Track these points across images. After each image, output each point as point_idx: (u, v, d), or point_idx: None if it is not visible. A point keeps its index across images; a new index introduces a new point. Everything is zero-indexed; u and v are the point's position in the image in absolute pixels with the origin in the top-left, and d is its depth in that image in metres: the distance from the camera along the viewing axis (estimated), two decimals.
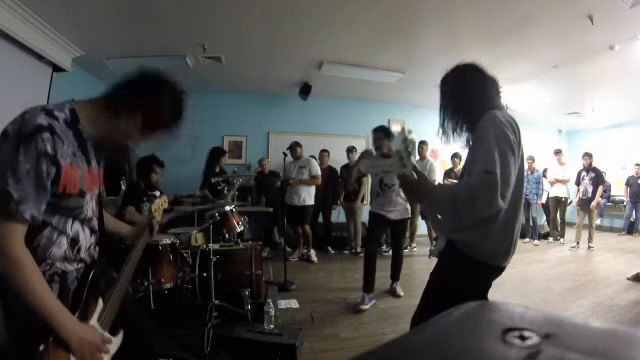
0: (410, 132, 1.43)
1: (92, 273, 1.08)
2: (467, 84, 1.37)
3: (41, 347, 0.87)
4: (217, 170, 4.41)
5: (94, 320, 1.01)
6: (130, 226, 1.44)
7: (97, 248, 1.14)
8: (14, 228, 0.86)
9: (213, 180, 4.18)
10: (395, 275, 3.48)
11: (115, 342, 1.08)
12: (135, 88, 1.04)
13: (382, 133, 3.31)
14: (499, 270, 1.32)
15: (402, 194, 3.20)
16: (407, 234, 5.64)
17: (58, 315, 0.88)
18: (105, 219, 1.21)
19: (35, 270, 0.89)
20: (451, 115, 1.37)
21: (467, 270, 1.28)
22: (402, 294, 3.36)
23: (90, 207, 1.07)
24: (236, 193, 3.50)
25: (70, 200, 0.97)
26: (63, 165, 0.92)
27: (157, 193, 1.59)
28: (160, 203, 1.52)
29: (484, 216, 1.15)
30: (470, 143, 1.31)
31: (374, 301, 3.15)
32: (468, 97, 1.34)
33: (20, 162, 0.85)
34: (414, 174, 1.36)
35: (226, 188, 3.57)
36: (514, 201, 1.21)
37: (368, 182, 5.02)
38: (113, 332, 1.08)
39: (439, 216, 1.38)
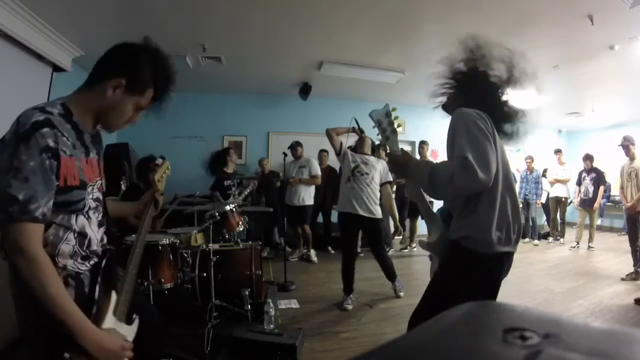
0: (394, 109, 1.53)
1: (102, 267, 1.07)
2: (473, 87, 1.48)
3: (66, 355, 0.87)
4: (232, 170, 4.23)
5: (109, 315, 1.01)
6: (133, 204, 1.40)
7: (106, 238, 1.14)
8: (29, 229, 0.85)
9: (225, 183, 4.10)
10: (390, 275, 3.37)
11: (132, 330, 1.08)
12: (109, 60, 1.03)
13: (364, 132, 3.24)
14: (506, 257, 1.33)
15: (372, 190, 3.13)
16: (408, 233, 5.66)
17: (77, 322, 0.88)
18: (108, 204, 1.20)
19: (55, 275, 0.89)
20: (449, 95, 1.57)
21: (474, 264, 1.29)
22: (402, 293, 3.35)
23: (92, 197, 1.06)
24: (241, 197, 3.49)
25: (73, 194, 0.97)
26: (62, 158, 0.92)
27: (159, 161, 1.52)
28: (163, 171, 1.44)
29: (467, 192, 1.26)
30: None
31: (354, 297, 3.17)
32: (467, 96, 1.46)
33: (24, 161, 0.84)
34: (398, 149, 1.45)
35: (237, 191, 3.56)
36: (502, 184, 1.29)
37: None
38: (128, 321, 1.08)
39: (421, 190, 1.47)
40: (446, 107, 1.57)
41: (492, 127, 1.32)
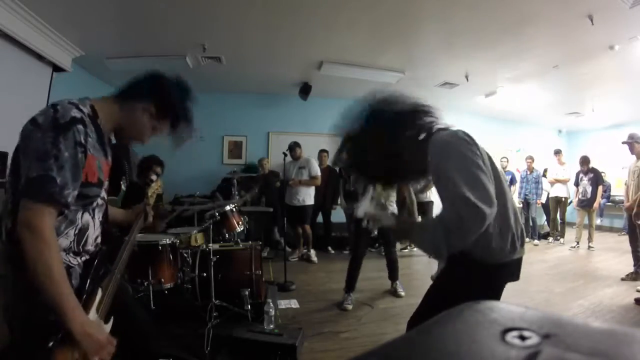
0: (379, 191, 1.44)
1: (95, 262, 1.10)
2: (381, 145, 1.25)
3: (50, 344, 0.88)
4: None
5: (93, 311, 1.03)
6: (125, 213, 1.47)
7: (101, 238, 1.17)
8: (52, 212, 0.91)
9: (233, 191, 4.08)
10: (393, 275, 3.46)
11: (107, 329, 1.10)
12: (144, 83, 1.14)
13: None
14: (514, 264, 1.31)
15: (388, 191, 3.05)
16: None
17: (70, 306, 0.90)
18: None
19: (60, 258, 0.92)
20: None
21: (475, 270, 1.26)
22: (403, 294, 3.36)
23: (101, 196, 1.12)
24: (246, 196, 3.49)
25: (92, 189, 1.04)
26: (89, 156, 0.99)
27: (154, 177, 1.59)
28: (155, 188, 1.55)
29: (478, 232, 1.12)
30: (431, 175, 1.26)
31: (354, 297, 3.17)
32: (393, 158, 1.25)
33: (62, 150, 0.90)
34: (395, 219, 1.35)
35: (242, 191, 3.55)
36: (499, 198, 1.17)
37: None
38: (106, 320, 1.11)
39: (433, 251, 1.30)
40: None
41: (476, 145, 1.19)
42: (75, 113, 0.95)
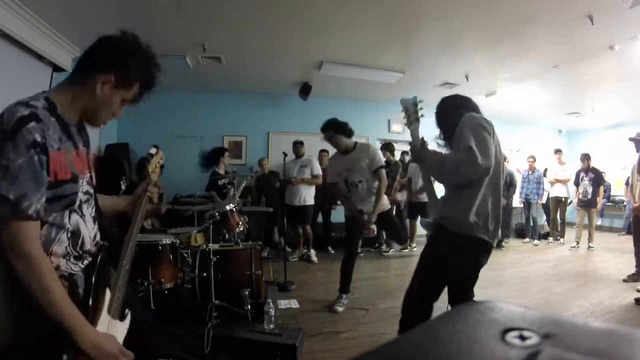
0: (421, 101, 1.73)
1: (98, 262, 1.06)
2: (448, 112, 1.72)
3: (64, 357, 0.87)
4: (222, 171, 4.24)
5: (104, 314, 1.01)
6: (127, 198, 1.37)
7: (99, 235, 1.12)
8: (24, 228, 0.84)
9: (220, 182, 4.11)
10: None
11: (124, 326, 1.09)
12: (90, 54, 1.01)
13: (331, 130, 3.06)
14: (481, 244, 1.53)
15: (369, 188, 2.98)
16: (408, 233, 5.65)
17: (76, 323, 0.88)
18: (100, 200, 1.18)
19: (53, 274, 0.88)
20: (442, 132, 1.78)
21: (451, 243, 1.53)
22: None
23: (83, 191, 1.03)
24: (237, 194, 3.48)
25: (65, 187, 0.95)
26: (50, 152, 0.89)
27: (153, 150, 1.47)
28: (156, 161, 1.40)
29: (471, 179, 1.48)
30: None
31: (347, 300, 3.13)
32: (450, 121, 1.65)
33: (11, 159, 0.82)
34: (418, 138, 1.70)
35: (232, 189, 3.54)
36: (491, 182, 1.51)
37: None
38: (121, 317, 1.08)
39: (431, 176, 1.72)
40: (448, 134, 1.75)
41: (494, 132, 1.51)
42: (22, 112, 0.85)
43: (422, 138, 1.68)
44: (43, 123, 0.88)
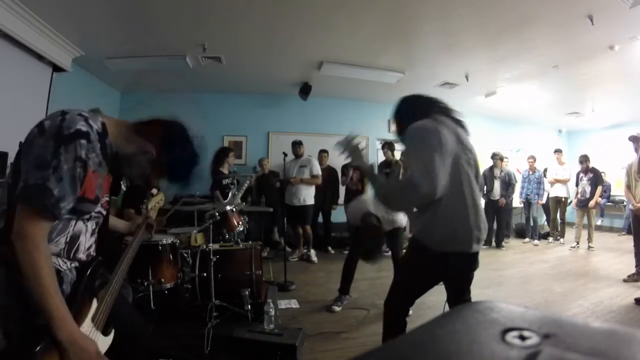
0: (357, 135, 1.73)
1: (88, 272, 1.08)
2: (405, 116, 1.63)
3: (37, 348, 0.87)
4: (227, 171, 4.23)
5: (88, 321, 1.02)
6: (126, 224, 1.46)
7: (95, 247, 1.15)
8: (43, 222, 0.90)
9: (224, 182, 4.11)
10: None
11: (107, 341, 1.09)
12: (159, 127, 1.10)
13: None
14: (452, 257, 1.46)
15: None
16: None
17: (59, 314, 0.89)
18: None
19: (51, 266, 0.91)
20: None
21: (421, 255, 1.51)
22: None
23: (96, 211, 1.09)
24: (239, 194, 3.48)
25: (86, 205, 1.02)
26: (89, 172, 0.97)
27: (155, 191, 1.59)
28: (156, 201, 1.52)
29: (415, 204, 1.52)
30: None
31: (346, 301, 3.13)
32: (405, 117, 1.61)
33: (62, 162, 0.89)
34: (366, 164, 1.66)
35: (236, 189, 3.54)
36: (452, 192, 1.41)
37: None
38: (105, 332, 1.09)
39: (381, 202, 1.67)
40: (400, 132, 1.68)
41: (445, 141, 1.39)
42: (81, 126, 0.93)
43: (372, 165, 1.62)
44: (92, 145, 0.96)
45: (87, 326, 1.01)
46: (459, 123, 1.59)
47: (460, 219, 1.44)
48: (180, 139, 1.13)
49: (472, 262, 1.54)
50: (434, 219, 1.45)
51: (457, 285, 1.62)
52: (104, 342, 1.08)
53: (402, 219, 3.06)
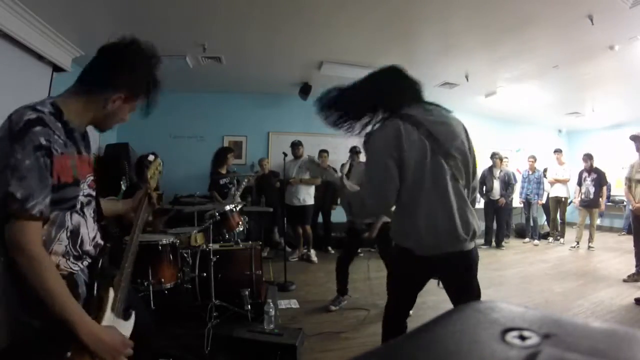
0: (309, 156, 1.81)
1: (100, 264, 1.08)
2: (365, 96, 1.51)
3: (68, 354, 0.87)
4: (225, 171, 4.26)
5: (108, 312, 1.01)
6: (126, 202, 1.40)
7: (100, 235, 1.14)
8: (29, 227, 0.87)
9: (222, 182, 4.12)
10: None
11: (129, 325, 1.09)
12: (106, 68, 1.03)
13: None
14: (433, 260, 1.41)
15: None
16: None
17: (77, 317, 0.89)
18: (102, 204, 1.21)
19: (55, 271, 0.90)
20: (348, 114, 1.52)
21: (395, 256, 1.55)
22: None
23: (84, 194, 1.06)
24: (239, 192, 3.48)
25: (67, 191, 0.98)
26: (55, 156, 0.92)
27: (152, 157, 1.51)
28: (154, 168, 1.44)
29: (367, 216, 1.75)
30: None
31: (345, 302, 3.13)
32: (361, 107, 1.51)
33: (19, 160, 0.85)
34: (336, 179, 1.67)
35: (233, 189, 3.54)
36: (412, 195, 1.38)
37: None
38: (125, 316, 1.09)
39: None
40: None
41: (412, 133, 1.34)
42: (29, 115, 0.89)
43: (341, 177, 1.63)
44: (49, 127, 0.91)
45: (108, 318, 1.01)
46: (431, 110, 1.45)
47: (432, 218, 1.37)
48: (124, 60, 1.03)
49: (456, 262, 1.43)
50: (404, 220, 1.43)
51: (452, 286, 1.55)
52: (126, 327, 1.07)
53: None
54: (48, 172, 0.90)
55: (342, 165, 5.50)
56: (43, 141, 0.89)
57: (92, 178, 1.11)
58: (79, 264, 1.03)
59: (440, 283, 1.61)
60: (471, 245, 1.45)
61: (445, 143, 1.38)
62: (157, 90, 1.12)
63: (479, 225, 1.52)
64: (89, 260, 1.07)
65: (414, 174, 1.36)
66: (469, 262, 1.48)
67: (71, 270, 1.00)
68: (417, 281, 1.54)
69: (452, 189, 1.38)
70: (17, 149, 0.86)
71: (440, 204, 1.37)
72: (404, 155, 1.34)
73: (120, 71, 1.03)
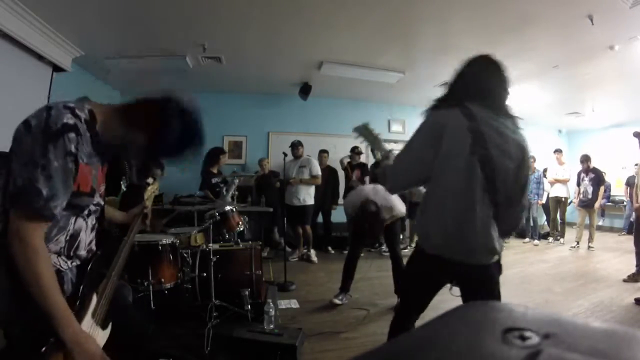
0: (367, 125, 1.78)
1: (89, 267, 1.08)
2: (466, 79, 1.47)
3: (44, 349, 0.87)
4: (216, 170, 4.28)
5: (88, 316, 1.02)
6: (123, 214, 1.44)
7: (95, 242, 1.15)
8: (39, 223, 0.88)
9: (213, 181, 4.13)
10: (397, 277, 3.09)
11: (105, 335, 1.09)
12: (152, 108, 1.03)
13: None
14: (442, 262, 1.34)
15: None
16: (408, 233, 5.66)
17: (63, 315, 0.89)
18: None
19: (51, 268, 0.91)
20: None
21: (416, 256, 1.49)
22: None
23: (94, 202, 1.08)
24: (236, 193, 3.48)
25: (82, 199, 1.00)
26: (80, 164, 0.94)
27: (150, 180, 1.60)
28: (152, 191, 1.52)
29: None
30: None
31: (347, 300, 3.16)
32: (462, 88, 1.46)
33: (51, 160, 0.87)
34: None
35: (225, 188, 3.54)
36: (442, 192, 1.33)
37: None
38: (104, 325, 1.09)
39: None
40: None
41: (459, 132, 1.29)
42: (68, 119, 0.90)
43: (390, 150, 1.65)
44: (81, 137, 0.93)
45: (87, 322, 1.01)
46: (498, 117, 1.40)
47: (447, 219, 1.31)
48: (175, 119, 1.04)
49: (469, 274, 1.36)
50: (425, 218, 1.39)
51: (469, 297, 1.46)
52: (102, 336, 1.08)
53: (400, 208, 3.02)
54: (72, 178, 0.92)
55: (342, 160, 5.52)
56: (73, 149, 0.91)
57: (104, 187, 1.14)
58: (69, 263, 1.03)
59: (453, 289, 1.51)
60: (489, 260, 1.39)
61: (491, 149, 1.31)
62: (182, 155, 1.16)
63: (501, 245, 1.44)
64: (79, 262, 1.07)
65: (447, 163, 1.31)
66: (483, 278, 1.43)
67: (60, 267, 1.00)
68: (428, 283, 1.47)
69: (479, 197, 1.30)
70: (50, 149, 0.87)
71: (462, 209, 1.30)
72: (440, 149, 1.31)
73: (158, 124, 1.01)
